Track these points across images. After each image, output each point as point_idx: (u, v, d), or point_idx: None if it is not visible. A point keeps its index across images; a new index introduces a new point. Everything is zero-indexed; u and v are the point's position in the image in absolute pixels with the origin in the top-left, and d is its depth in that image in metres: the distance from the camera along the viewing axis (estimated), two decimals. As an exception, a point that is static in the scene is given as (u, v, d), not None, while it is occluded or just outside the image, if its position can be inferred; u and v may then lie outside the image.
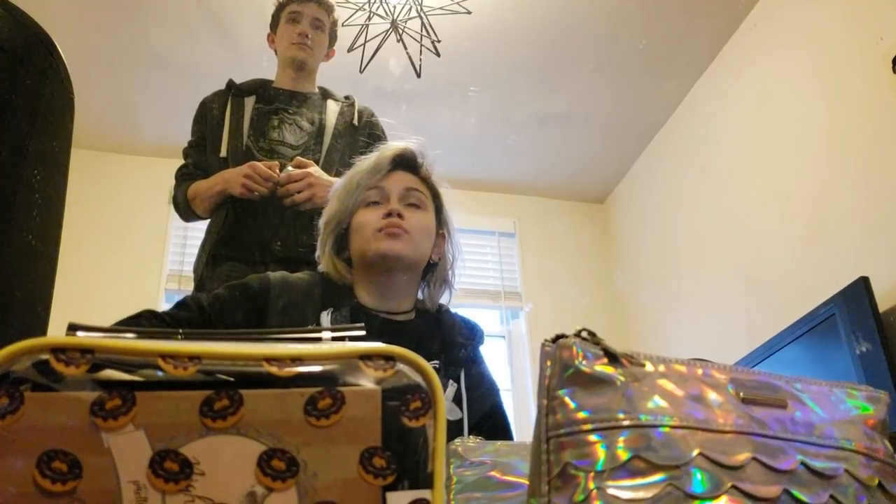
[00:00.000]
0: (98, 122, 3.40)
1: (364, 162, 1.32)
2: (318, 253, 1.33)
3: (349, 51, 2.68)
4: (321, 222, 1.34)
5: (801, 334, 2.33)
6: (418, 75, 2.70)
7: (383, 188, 1.28)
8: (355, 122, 2.04)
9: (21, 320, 0.63)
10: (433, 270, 1.33)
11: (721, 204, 3.18)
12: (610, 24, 3.11)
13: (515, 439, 1.04)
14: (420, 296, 1.33)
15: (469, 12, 2.69)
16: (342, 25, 2.37)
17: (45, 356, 0.40)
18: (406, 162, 1.32)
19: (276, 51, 2.18)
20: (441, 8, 2.68)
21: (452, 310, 1.37)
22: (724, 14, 3.07)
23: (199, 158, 2.03)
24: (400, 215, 1.24)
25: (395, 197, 1.27)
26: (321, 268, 1.31)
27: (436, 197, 1.34)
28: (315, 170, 1.83)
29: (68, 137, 0.73)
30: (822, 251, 2.56)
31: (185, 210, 2.01)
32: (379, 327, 1.22)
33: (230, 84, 2.09)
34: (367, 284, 1.27)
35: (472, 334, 1.31)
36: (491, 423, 1.23)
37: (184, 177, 2.03)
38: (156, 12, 3.00)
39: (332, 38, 2.20)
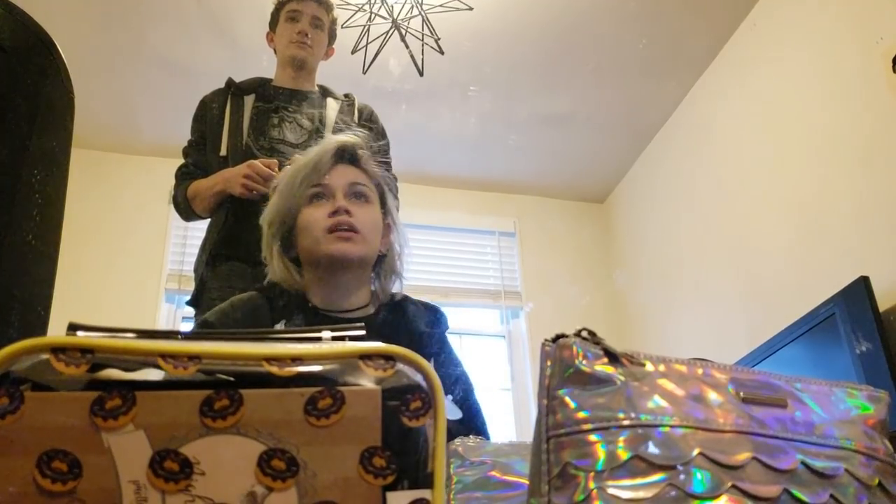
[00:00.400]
0: (98, 122, 3.40)
1: (305, 157, 1.30)
2: (264, 254, 1.29)
3: (353, 52, 2.68)
4: (263, 221, 1.30)
5: (801, 334, 2.33)
6: (421, 74, 2.70)
7: (327, 184, 1.26)
8: (355, 119, 2.04)
9: (21, 320, 0.63)
10: (382, 262, 1.31)
11: (721, 203, 3.18)
12: (610, 24, 3.11)
13: (515, 439, 1.04)
14: (373, 287, 1.30)
15: (470, 8, 2.68)
16: (343, 27, 2.37)
17: (45, 356, 0.40)
18: (348, 155, 1.30)
19: (275, 49, 2.18)
20: (441, 5, 2.68)
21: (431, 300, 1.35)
22: (724, 14, 3.07)
23: (199, 157, 2.02)
24: (347, 212, 1.22)
25: (341, 193, 1.25)
26: (270, 275, 1.28)
27: (379, 188, 1.32)
28: (315, 169, 1.82)
29: (68, 137, 0.73)
30: (821, 251, 2.56)
31: (185, 209, 2.01)
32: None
33: (230, 83, 2.09)
34: (317, 285, 1.24)
35: (437, 321, 1.29)
36: (463, 415, 1.20)
37: (184, 176, 2.03)
38: (156, 12, 3.00)
39: (332, 36, 2.20)
